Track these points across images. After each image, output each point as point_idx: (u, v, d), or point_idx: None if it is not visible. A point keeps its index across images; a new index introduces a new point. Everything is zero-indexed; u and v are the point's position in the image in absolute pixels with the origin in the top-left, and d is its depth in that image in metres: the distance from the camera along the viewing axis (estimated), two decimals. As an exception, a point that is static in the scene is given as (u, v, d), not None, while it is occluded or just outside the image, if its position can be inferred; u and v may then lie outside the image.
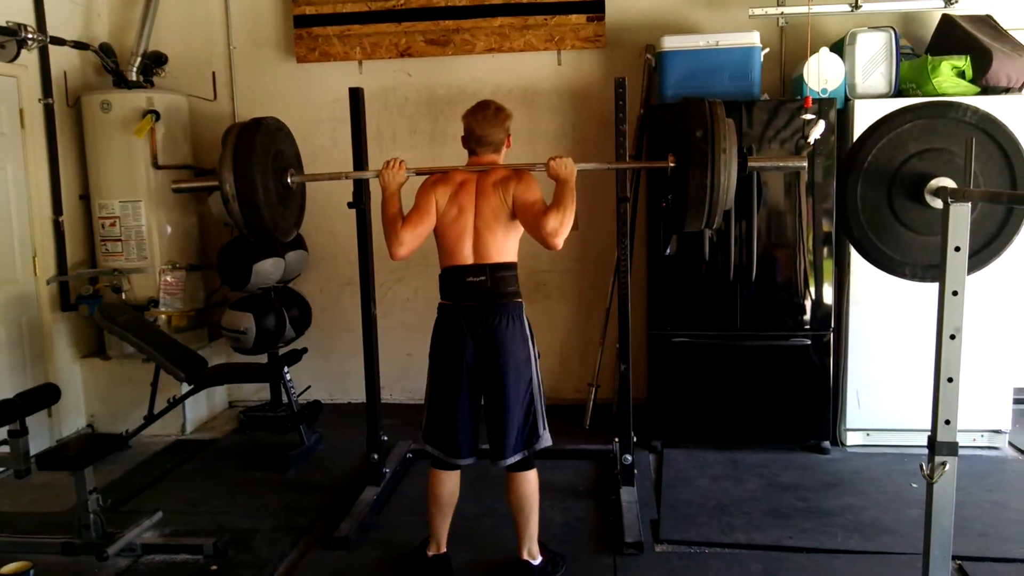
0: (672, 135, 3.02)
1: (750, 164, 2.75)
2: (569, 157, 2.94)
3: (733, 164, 2.66)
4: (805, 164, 2.95)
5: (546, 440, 3.02)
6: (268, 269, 4.61)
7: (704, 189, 2.64)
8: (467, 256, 2.94)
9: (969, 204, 2.01)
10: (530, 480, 3.02)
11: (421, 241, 2.96)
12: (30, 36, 4.27)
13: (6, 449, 3.31)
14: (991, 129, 2.34)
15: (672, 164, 2.89)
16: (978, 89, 4.08)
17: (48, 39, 4.50)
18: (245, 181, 2.81)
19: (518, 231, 2.98)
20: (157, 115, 4.75)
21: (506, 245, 2.95)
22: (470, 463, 3.05)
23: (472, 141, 3.06)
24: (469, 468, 3.07)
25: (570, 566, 3.17)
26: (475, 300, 2.92)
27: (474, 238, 2.94)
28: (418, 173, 3.11)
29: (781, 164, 2.92)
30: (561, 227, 2.81)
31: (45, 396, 3.52)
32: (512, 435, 2.95)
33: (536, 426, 2.99)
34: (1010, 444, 4.32)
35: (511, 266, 2.98)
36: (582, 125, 5.10)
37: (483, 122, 3.02)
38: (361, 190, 3.77)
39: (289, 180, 3.08)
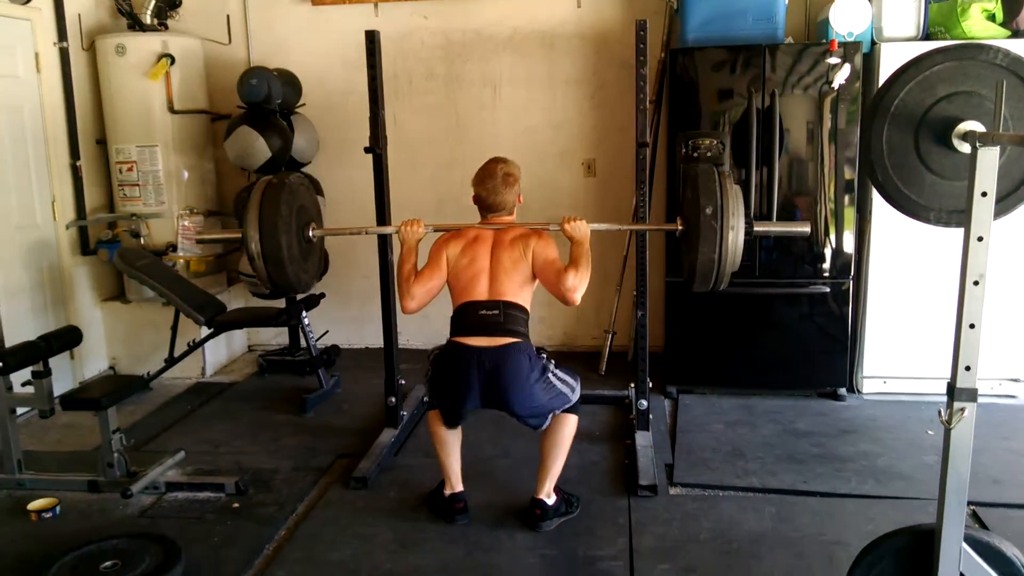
0: (681, 197, 3.08)
1: (755, 230, 2.81)
2: (583, 220, 2.99)
3: (740, 235, 2.73)
4: (808, 230, 2.97)
5: (575, 397, 3.08)
6: (285, 214, 4.60)
7: (712, 263, 2.73)
8: (482, 293, 2.95)
9: (997, 148, 1.97)
10: (570, 423, 3.08)
11: (432, 296, 3.01)
12: (44, -23, 4.23)
13: (31, 390, 3.37)
14: (1022, 72, 2.28)
15: (680, 228, 2.94)
16: (1009, 32, 3.98)
17: (63, -20, 4.46)
18: (271, 241, 2.87)
19: (532, 286, 3.02)
20: (172, 59, 4.72)
21: (522, 292, 2.98)
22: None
23: (484, 208, 3.10)
24: (486, 412, 3.09)
25: (585, 507, 3.21)
26: (485, 334, 2.89)
27: (490, 279, 2.96)
28: (435, 229, 3.15)
29: (786, 230, 2.99)
30: (580, 284, 2.87)
31: (68, 338, 3.57)
32: (538, 420, 3.03)
33: (565, 400, 3.04)
34: (1028, 393, 4.32)
35: (523, 309, 2.98)
36: (602, 70, 5.02)
37: (493, 192, 3.05)
38: (377, 134, 3.74)
39: (311, 234, 3.12)
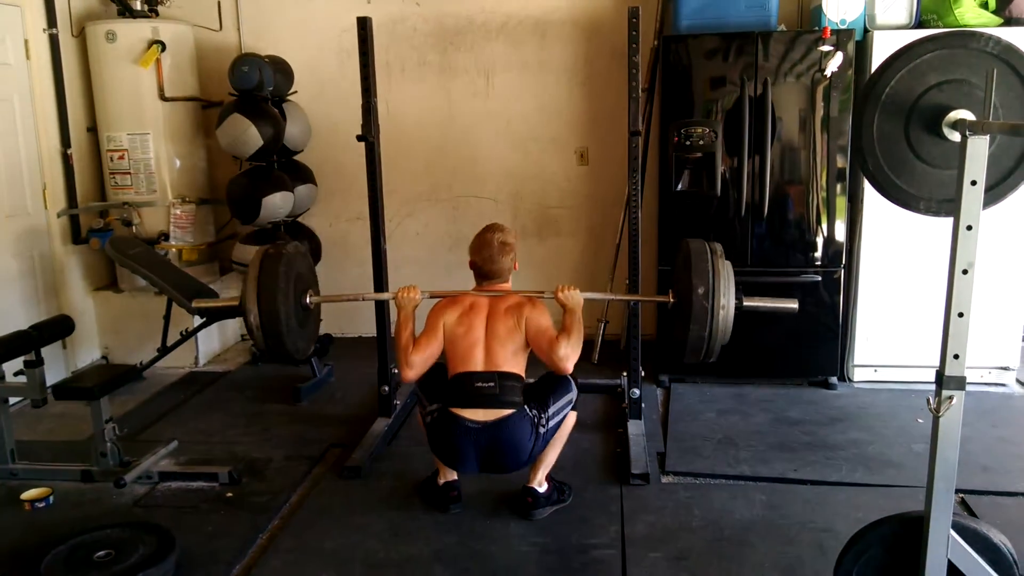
0: (674, 266, 3.11)
1: (745, 305, 2.85)
2: (576, 289, 3.02)
3: (731, 313, 2.78)
4: (796, 307, 3.01)
5: (572, 401, 3.13)
6: (277, 203, 4.60)
7: (703, 340, 2.78)
8: (477, 363, 2.97)
9: (987, 137, 1.97)
10: (568, 420, 3.11)
11: (430, 363, 3.03)
12: (32, -37, 4.19)
13: (23, 379, 3.36)
14: (1013, 60, 2.27)
15: (672, 300, 2.96)
16: (1001, 20, 3.98)
17: (51, -33, 4.43)
18: (270, 313, 2.88)
19: (526, 354, 3.04)
20: (163, 45, 4.69)
21: (516, 360, 3.00)
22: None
23: (481, 276, 3.13)
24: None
25: (578, 495, 3.23)
26: (483, 406, 2.91)
27: (486, 349, 2.98)
28: (432, 296, 3.16)
29: (774, 306, 3.01)
30: (572, 352, 2.91)
31: (60, 327, 3.56)
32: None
33: (562, 409, 3.08)
34: (1017, 381, 4.35)
35: (519, 378, 3.00)
36: (594, 57, 5.01)
37: (489, 260, 3.08)
38: (370, 122, 3.73)
39: (308, 301, 3.13)
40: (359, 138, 3.74)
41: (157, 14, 4.93)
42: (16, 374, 3.36)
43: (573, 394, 3.13)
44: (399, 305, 3.10)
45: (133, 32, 4.70)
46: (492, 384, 2.93)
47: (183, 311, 4.22)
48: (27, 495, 3.27)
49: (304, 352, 3.19)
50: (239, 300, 2.96)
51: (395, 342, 3.07)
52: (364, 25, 3.72)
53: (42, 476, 3.43)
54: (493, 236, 3.11)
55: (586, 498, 3.23)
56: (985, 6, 3.97)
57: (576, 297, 3.02)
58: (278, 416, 4.19)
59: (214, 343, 5.24)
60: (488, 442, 2.91)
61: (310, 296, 3.14)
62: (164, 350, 4.29)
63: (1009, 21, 3.98)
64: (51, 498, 3.29)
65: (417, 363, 2.99)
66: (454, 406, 2.95)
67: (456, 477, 3.19)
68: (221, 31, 5.22)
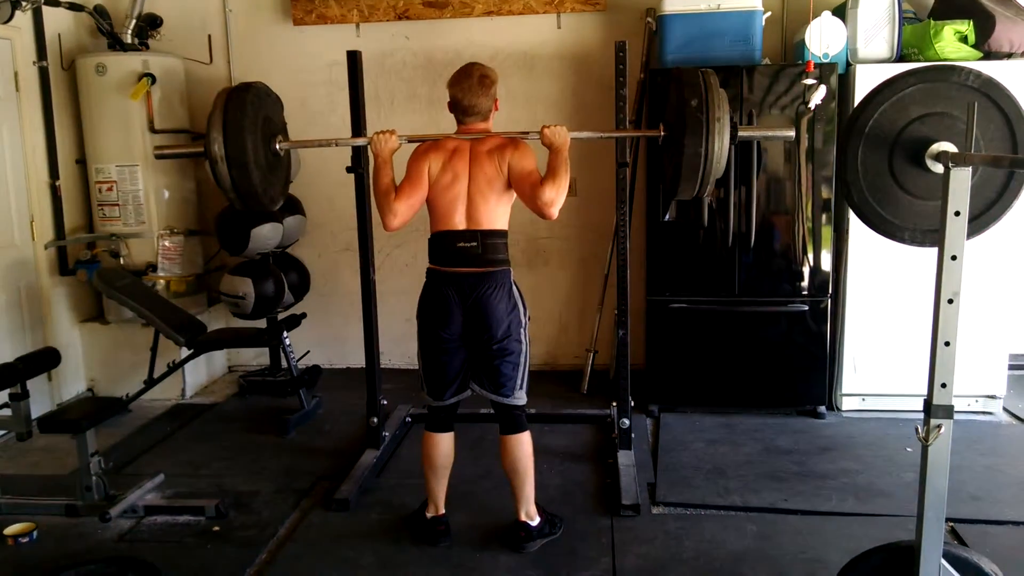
0: (666, 104, 3.02)
1: (740, 133, 2.76)
2: (563, 126, 2.94)
3: (726, 132, 2.69)
4: (793, 134, 2.97)
5: (520, 399, 3.05)
6: (266, 234, 4.60)
7: (699, 157, 2.67)
8: (459, 222, 2.94)
9: (970, 169, 2.01)
10: (523, 442, 3.05)
11: (415, 211, 2.97)
12: (24, -3, 4.22)
13: (8, 412, 3.33)
14: (993, 93, 2.32)
15: (663, 134, 2.90)
16: (980, 54, 4.05)
17: (43, 0, 4.44)
18: (235, 142, 2.75)
19: (510, 199, 2.99)
20: (153, 78, 4.71)
21: (498, 212, 2.96)
22: (453, 401, 3.09)
23: (460, 111, 3.01)
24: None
25: (568, 527, 3.21)
26: (465, 266, 2.92)
27: (467, 204, 2.93)
28: (410, 140, 3.08)
29: (770, 134, 2.94)
30: (557, 197, 2.84)
31: (45, 360, 3.54)
32: (503, 380, 3.01)
33: (516, 383, 3.02)
34: (1004, 409, 4.37)
35: (502, 233, 2.98)
36: (582, 90, 5.06)
37: (468, 92, 2.96)
38: (359, 154, 3.75)
39: (277, 147, 3.03)
40: (349, 170, 3.76)
41: (147, 47, 4.96)
42: (1, 407, 3.33)
43: (525, 381, 3.06)
44: (375, 151, 2.99)
45: (123, 65, 4.72)
46: (475, 244, 2.90)
47: (170, 343, 4.21)
48: (10, 530, 3.23)
49: (274, 201, 3.02)
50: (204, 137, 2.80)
51: (374, 189, 2.96)
52: (354, 59, 3.75)
53: (26, 510, 3.39)
54: (473, 68, 3.00)
55: (577, 529, 3.21)
56: (964, 40, 4.04)
57: (562, 134, 2.92)
58: (266, 448, 4.15)
59: (201, 375, 5.20)
60: (470, 286, 2.89)
61: (279, 142, 3.03)
62: (151, 382, 4.27)
63: (988, 55, 4.05)
64: (35, 533, 3.24)
65: (401, 211, 2.91)
66: (436, 264, 2.95)
67: (444, 512, 3.17)
68: (212, 64, 5.25)
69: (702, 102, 2.66)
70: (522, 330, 3.01)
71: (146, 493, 3.48)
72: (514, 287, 3.01)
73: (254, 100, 2.84)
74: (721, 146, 2.69)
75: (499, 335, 2.94)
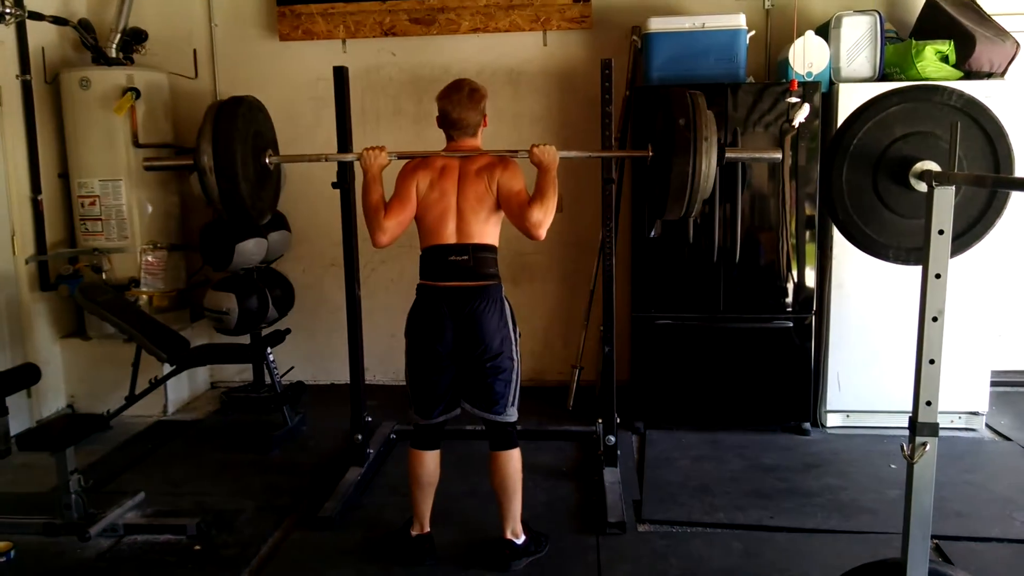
0: (654, 123, 3.03)
1: (728, 155, 2.78)
2: (552, 145, 2.95)
3: (714, 153, 2.70)
4: (780, 156, 2.98)
5: (512, 416, 3.04)
6: (251, 249, 4.58)
7: (686, 177, 2.67)
8: (450, 235, 2.93)
9: (953, 187, 2.03)
10: (513, 459, 3.04)
11: (403, 229, 2.96)
12: (8, 11, 4.20)
13: (-14, 429, 3.28)
14: (976, 113, 2.35)
15: (651, 154, 2.90)
16: (961, 74, 4.10)
17: (26, 14, 4.42)
18: (225, 154, 2.74)
19: (499, 217, 2.98)
20: (137, 93, 4.69)
21: (488, 228, 2.95)
22: (441, 420, 3.06)
23: (448, 125, 3.01)
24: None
25: (553, 545, 3.19)
26: (458, 280, 2.91)
27: (457, 219, 2.92)
28: (399, 157, 3.07)
29: (757, 156, 2.96)
30: (545, 218, 2.84)
31: (25, 376, 3.50)
32: (495, 398, 3.00)
33: (508, 400, 3.01)
34: (987, 426, 4.39)
35: (493, 248, 2.98)
36: (567, 107, 5.08)
37: (458, 105, 2.96)
38: (345, 170, 3.74)
39: (267, 160, 3.03)
40: (335, 185, 3.74)
41: (132, 62, 4.94)
42: (-21, 424, 3.29)
43: (516, 398, 3.06)
44: (365, 166, 2.98)
45: (108, 79, 4.70)
46: (466, 258, 2.89)
47: (152, 359, 4.17)
48: (-13, 550, 3.18)
49: (262, 214, 3.01)
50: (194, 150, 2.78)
51: (363, 205, 2.95)
52: (341, 74, 3.75)
53: (3, 529, 3.32)
54: (463, 83, 3.00)
55: (562, 547, 3.19)
56: (945, 60, 4.10)
57: (551, 153, 2.92)
58: (248, 466, 4.11)
59: (183, 391, 5.15)
60: (464, 308, 2.87)
61: (269, 156, 3.01)
62: (132, 398, 4.22)
63: (969, 75, 4.10)
64: (12, 552, 3.19)
65: (391, 228, 2.90)
66: (428, 279, 2.93)
67: (429, 529, 3.14)
68: (197, 79, 5.24)
69: (689, 122, 2.68)
70: (514, 347, 3.00)
71: (127, 511, 3.43)
72: (506, 303, 3.00)
73: (245, 113, 2.85)
74: (709, 168, 2.70)
75: (493, 350, 2.92)
